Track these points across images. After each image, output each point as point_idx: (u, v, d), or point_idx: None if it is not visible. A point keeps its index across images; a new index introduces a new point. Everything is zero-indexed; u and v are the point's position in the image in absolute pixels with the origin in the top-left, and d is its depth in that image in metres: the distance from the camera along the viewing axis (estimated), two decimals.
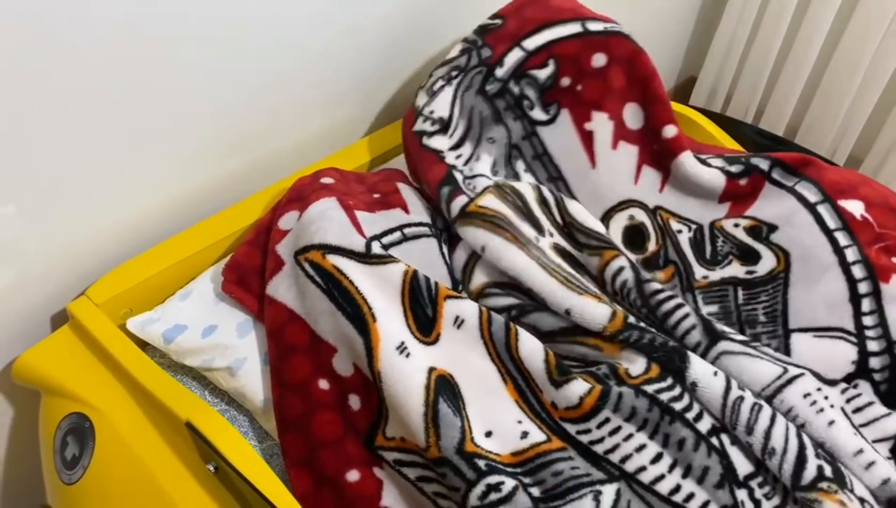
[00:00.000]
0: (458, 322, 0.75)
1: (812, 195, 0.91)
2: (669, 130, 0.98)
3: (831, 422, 0.71)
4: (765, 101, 1.85)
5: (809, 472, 0.67)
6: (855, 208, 0.89)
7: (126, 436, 0.74)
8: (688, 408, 0.70)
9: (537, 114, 0.99)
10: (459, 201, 0.86)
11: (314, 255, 0.77)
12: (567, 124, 0.99)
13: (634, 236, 0.95)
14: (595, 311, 0.77)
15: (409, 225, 0.85)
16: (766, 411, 0.69)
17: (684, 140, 0.99)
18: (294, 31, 0.91)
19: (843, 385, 0.75)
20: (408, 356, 0.71)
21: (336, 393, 0.74)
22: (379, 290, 0.76)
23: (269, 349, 0.77)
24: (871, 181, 0.93)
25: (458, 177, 0.90)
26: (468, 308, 0.76)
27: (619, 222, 0.96)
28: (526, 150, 0.98)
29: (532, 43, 0.99)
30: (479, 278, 0.84)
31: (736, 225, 0.93)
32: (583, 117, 0.99)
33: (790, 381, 0.73)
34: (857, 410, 0.74)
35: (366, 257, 0.77)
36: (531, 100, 1.00)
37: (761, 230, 0.91)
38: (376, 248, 0.79)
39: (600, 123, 0.99)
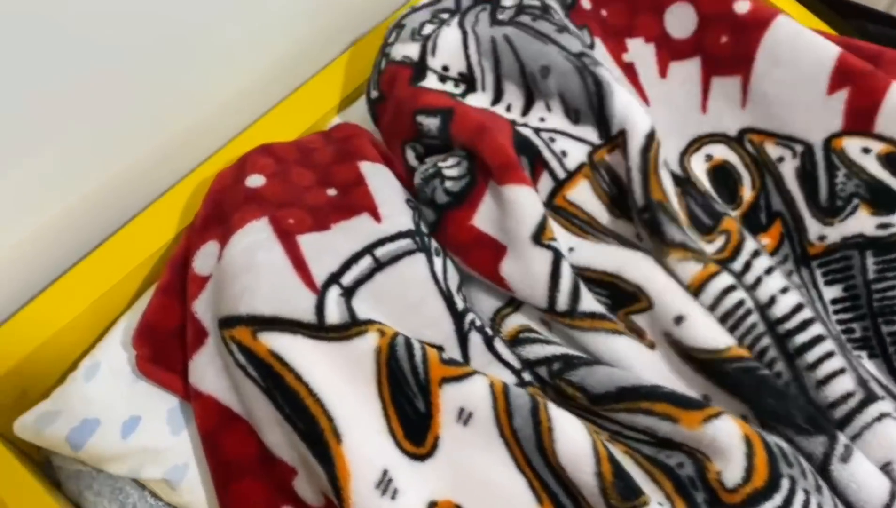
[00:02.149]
0: (465, 417, 0.51)
1: None
2: (742, 5, 0.66)
3: None
4: None
5: None
6: None
7: None
8: None
9: (577, 33, 0.68)
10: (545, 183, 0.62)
11: (241, 334, 0.52)
12: (604, 56, 0.68)
13: (723, 181, 0.66)
14: (712, 329, 0.54)
15: (383, 241, 0.58)
16: None
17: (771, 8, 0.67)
18: None
19: None
20: (394, 495, 0.48)
21: None
22: (343, 380, 0.51)
23: (208, 462, 0.55)
24: None
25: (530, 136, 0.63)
26: (477, 392, 0.51)
27: (697, 167, 0.67)
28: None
29: None
30: (518, 317, 0.59)
31: (866, 150, 0.61)
32: (618, 49, 0.68)
33: None
34: None
35: (319, 331, 0.52)
36: (561, 17, 0.68)
37: None
38: (333, 304, 0.53)
39: (638, 52, 0.68)
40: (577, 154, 0.63)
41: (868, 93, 0.61)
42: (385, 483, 0.48)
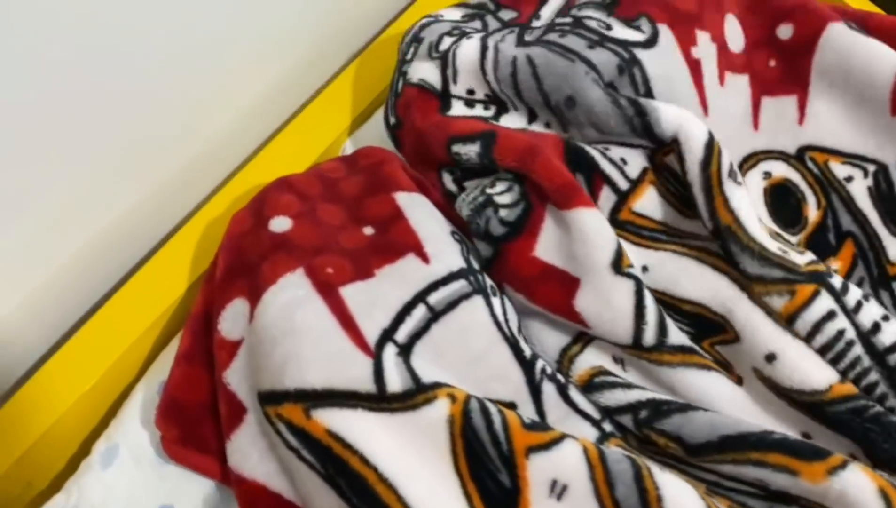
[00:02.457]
0: (558, 490, 0.44)
1: None
2: (785, 30, 0.60)
3: None
4: None
5: None
6: None
7: None
8: None
9: (625, 32, 0.59)
10: (607, 197, 0.55)
11: (291, 411, 0.45)
12: (672, 48, 0.60)
13: (783, 201, 0.60)
14: (810, 367, 0.48)
15: (435, 285, 0.51)
16: None
17: (825, 11, 0.61)
18: None
19: None
20: None
21: None
22: (414, 458, 0.45)
23: None
24: None
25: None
26: (570, 461, 0.44)
27: (753, 184, 0.61)
28: (623, 89, 0.58)
29: None
30: (588, 357, 0.52)
31: None
32: (688, 39, 0.60)
33: None
34: None
35: (381, 401, 0.45)
36: (601, 19, 0.60)
37: None
38: (392, 367, 0.46)
39: (706, 48, 0.60)
40: (637, 159, 0.57)
41: None
42: None
